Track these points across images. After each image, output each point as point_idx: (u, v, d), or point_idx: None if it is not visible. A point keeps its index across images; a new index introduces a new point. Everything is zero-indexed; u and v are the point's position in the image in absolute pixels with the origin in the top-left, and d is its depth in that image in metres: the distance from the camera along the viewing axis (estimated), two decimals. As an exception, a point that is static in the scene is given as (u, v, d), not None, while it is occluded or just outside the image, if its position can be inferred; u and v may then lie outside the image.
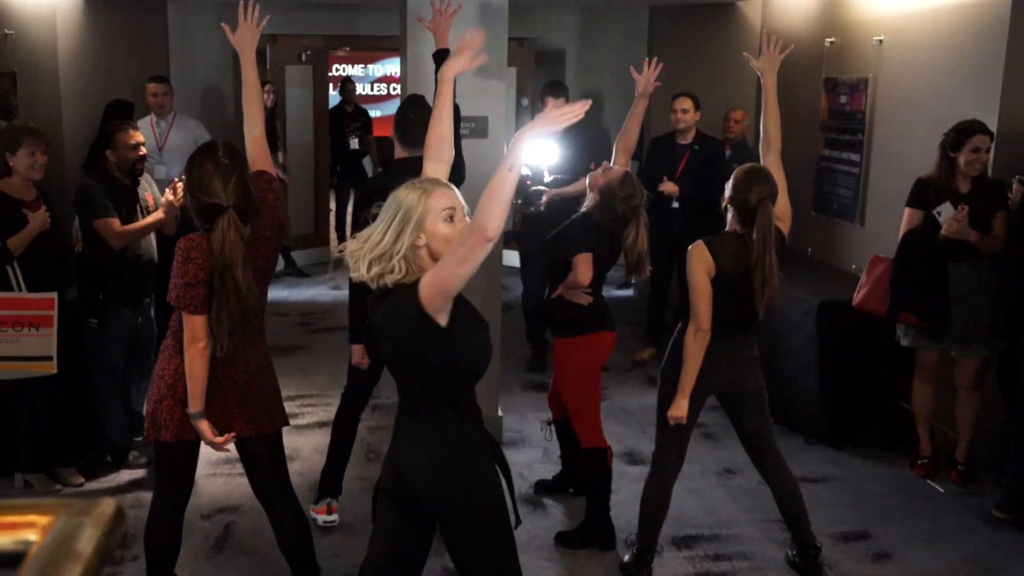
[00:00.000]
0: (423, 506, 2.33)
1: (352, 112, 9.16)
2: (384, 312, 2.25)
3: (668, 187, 5.66)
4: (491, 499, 2.30)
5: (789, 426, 4.89)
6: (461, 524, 2.32)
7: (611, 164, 3.73)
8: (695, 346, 3.18)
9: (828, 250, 5.67)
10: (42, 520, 0.75)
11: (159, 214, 4.13)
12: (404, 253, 2.18)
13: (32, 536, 0.73)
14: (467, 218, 2.26)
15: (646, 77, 3.85)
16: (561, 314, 3.64)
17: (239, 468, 4.21)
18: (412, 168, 3.34)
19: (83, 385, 4.22)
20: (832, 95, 5.52)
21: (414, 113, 3.54)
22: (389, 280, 2.19)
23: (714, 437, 4.84)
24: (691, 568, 3.53)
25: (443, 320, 2.19)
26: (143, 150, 4.22)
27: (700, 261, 3.17)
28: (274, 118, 7.86)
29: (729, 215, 3.25)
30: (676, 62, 7.06)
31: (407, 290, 2.18)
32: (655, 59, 3.88)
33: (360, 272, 2.23)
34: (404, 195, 2.23)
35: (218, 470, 4.26)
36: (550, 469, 4.28)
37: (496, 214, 2.06)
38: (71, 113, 6.08)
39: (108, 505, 0.79)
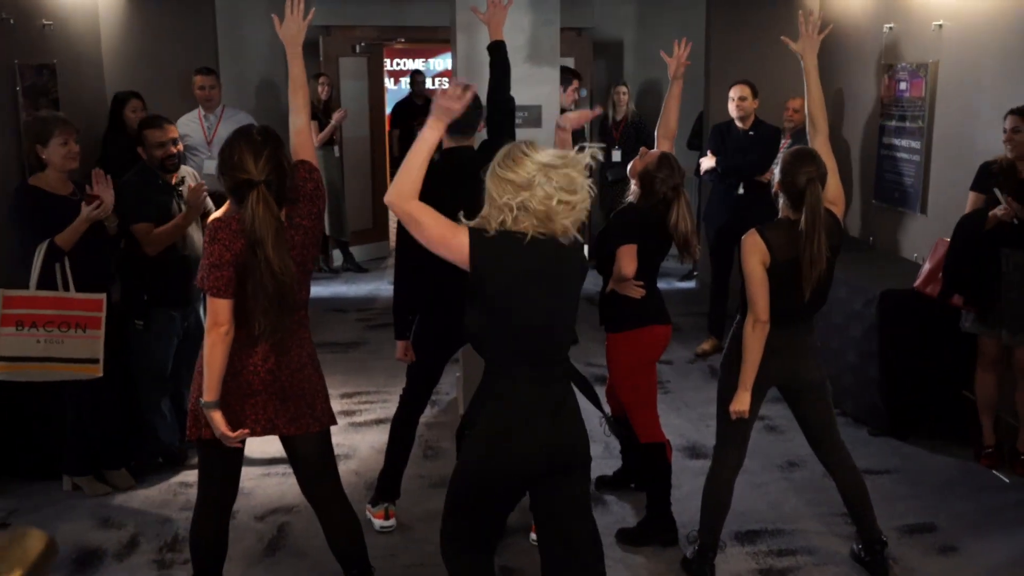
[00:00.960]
0: (573, 472, 2.52)
1: (422, 105, 9.12)
2: None
3: (706, 162, 5.94)
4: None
5: (853, 417, 4.87)
6: (586, 482, 2.60)
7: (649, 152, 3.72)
8: (754, 338, 3.17)
9: (890, 239, 5.60)
10: None
11: (186, 211, 4.03)
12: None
13: None
14: None
15: (676, 58, 3.82)
16: (613, 308, 3.66)
17: (298, 468, 4.38)
18: (457, 158, 3.43)
19: (130, 387, 4.17)
20: (891, 81, 5.43)
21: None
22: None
23: (778, 430, 4.84)
24: (754, 564, 3.56)
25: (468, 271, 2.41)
26: (174, 148, 4.09)
27: (754, 250, 3.14)
28: (329, 110, 7.93)
29: (780, 201, 3.23)
30: (735, 50, 7.03)
31: None
32: (684, 39, 3.85)
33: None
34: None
35: (272, 470, 4.33)
36: (611, 465, 4.34)
37: (397, 183, 2.39)
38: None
39: (34, 539, 0.73)
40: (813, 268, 3.10)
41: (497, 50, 3.74)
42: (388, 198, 2.41)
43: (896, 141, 5.42)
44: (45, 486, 4.13)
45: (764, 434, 4.79)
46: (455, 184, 2.94)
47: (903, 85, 5.31)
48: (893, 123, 5.44)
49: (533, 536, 3.17)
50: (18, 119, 4.69)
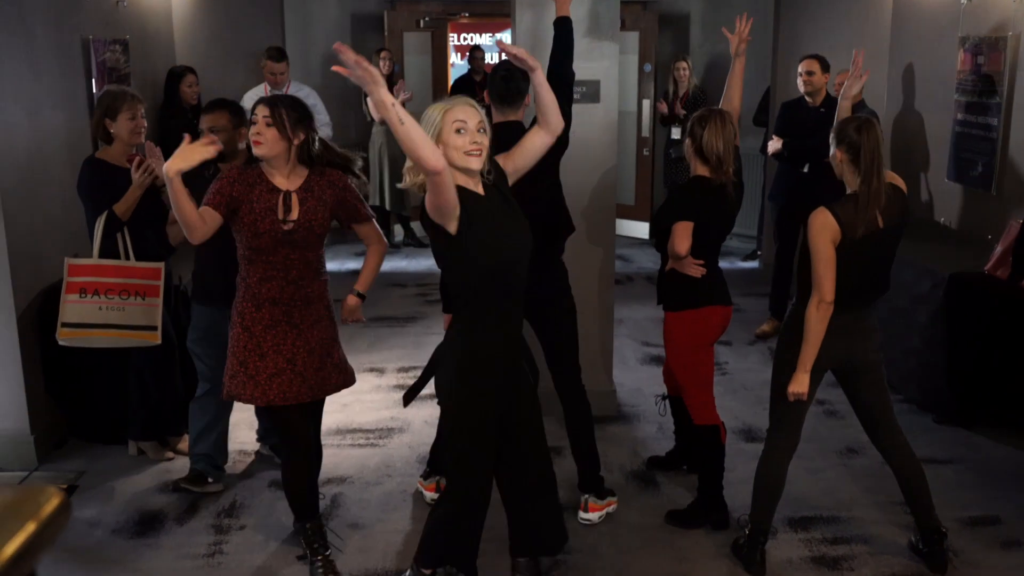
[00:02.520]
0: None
1: (481, 80, 9.09)
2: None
3: (773, 145, 5.76)
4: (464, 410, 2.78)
5: (918, 404, 4.73)
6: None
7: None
8: (817, 318, 3.07)
9: (962, 219, 5.39)
10: None
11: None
12: None
13: None
14: (481, 133, 2.60)
15: (738, 34, 3.74)
16: (672, 287, 3.60)
17: (349, 439, 4.45)
18: (506, 133, 3.33)
19: (188, 356, 4.12)
20: (968, 55, 5.20)
21: (502, 76, 3.48)
22: (419, 187, 2.62)
23: (837, 415, 4.73)
24: (807, 551, 3.50)
25: (452, 228, 2.56)
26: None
27: (824, 228, 3.03)
28: (391, 87, 7.99)
29: (846, 173, 3.12)
30: (804, 24, 6.83)
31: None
32: (746, 14, 3.76)
33: (405, 181, 2.68)
34: (430, 110, 2.64)
35: (327, 441, 4.33)
36: (663, 445, 4.30)
37: (421, 155, 2.40)
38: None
39: (51, 496, 0.74)
40: (871, 202, 3.02)
41: (562, 25, 3.68)
42: (432, 166, 2.41)
43: (971, 117, 5.20)
44: (112, 450, 4.28)
45: (823, 419, 4.69)
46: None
47: (980, 59, 5.08)
48: (968, 99, 5.22)
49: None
50: (91, 94, 4.81)
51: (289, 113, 3.06)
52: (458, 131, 2.57)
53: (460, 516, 2.90)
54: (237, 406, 4.01)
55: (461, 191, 2.56)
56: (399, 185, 2.75)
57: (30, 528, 0.70)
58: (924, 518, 3.37)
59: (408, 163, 2.63)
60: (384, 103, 2.36)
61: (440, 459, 3.85)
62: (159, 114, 5.87)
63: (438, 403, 3.02)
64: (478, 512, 2.91)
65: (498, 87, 3.47)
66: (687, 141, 3.53)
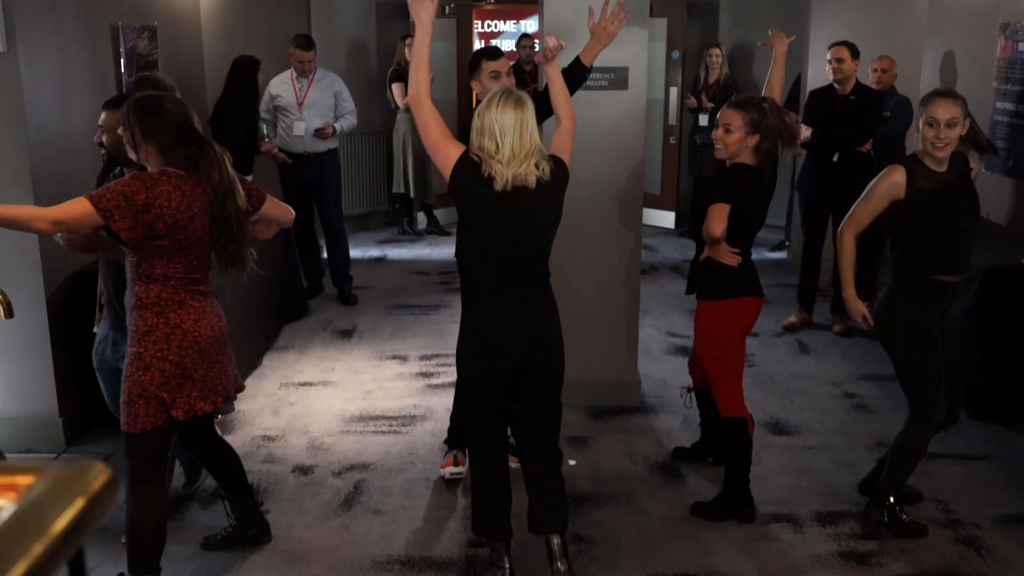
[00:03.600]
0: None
1: (532, 71, 8.62)
2: None
3: (803, 134, 5.62)
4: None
5: (950, 398, 4.64)
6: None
7: None
8: (844, 239, 3.41)
9: (1000, 211, 5.27)
10: (23, 482, 0.70)
11: None
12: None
13: (2, 503, 0.68)
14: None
15: (778, 47, 3.94)
16: (707, 276, 3.54)
17: (372, 426, 4.43)
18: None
19: None
20: (1009, 42, 5.07)
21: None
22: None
23: (867, 409, 4.66)
24: (835, 546, 3.43)
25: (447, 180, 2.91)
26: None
27: (890, 183, 3.29)
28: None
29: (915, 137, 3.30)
30: (834, 10, 6.70)
31: None
32: (777, 33, 3.97)
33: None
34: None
35: (351, 428, 4.39)
36: (688, 437, 4.24)
37: (412, 84, 2.91)
38: (213, 69, 6.11)
39: (100, 472, 0.73)
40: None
41: (580, 71, 3.64)
42: (408, 98, 2.96)
43: (1011, 106, 5.08)
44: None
45: (853, 413, 4.61)
46: None
47: (1021, 46, 4.96)
48: (1009, 87, 5.10)
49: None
50: (120, 80, 4.81)
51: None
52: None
53: (474, 482, 3.20)
54: (250, 393, 3.96)
55: (472, 176, 2.83)
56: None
57: (79, 504, 0.69)
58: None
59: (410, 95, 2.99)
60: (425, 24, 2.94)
61: (453, 436, 3.93)
62: (228, 107, 5.83)
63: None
64: (488, 480, 3.11)
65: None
66: (741, 124, 3.40)
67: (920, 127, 3.25)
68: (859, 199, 3.38)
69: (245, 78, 5.86)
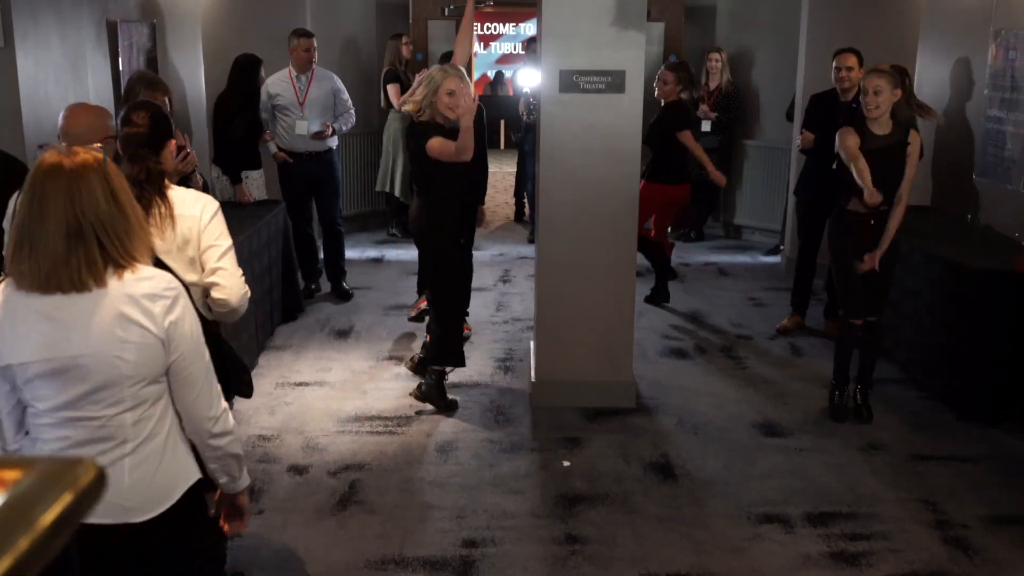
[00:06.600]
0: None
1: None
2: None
3: (804, 139, 5.64)
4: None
5: (943, 401, 4.68)
6: None
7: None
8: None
9: (990, 216, 5.32)
10: (10, 477, 0.70)
11: None
12: (428, 104, 4.26)
13: None
14: (467, 99, 4.17)
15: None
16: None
17: (368, 426, 4.45)
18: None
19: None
20: (1001, 49, 5.12)
21: None
22: (418, 118, 4.28)
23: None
24: (825, 547, 3.46)
25: None
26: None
27: (855, 141, 4.22)
28: (414, 75, 7.93)
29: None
30: (835, 16, 6.74)
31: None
32: None
33: (407, 107, 4.31)
34: (433, 72, 4.32)
35: (346, 428, 4.40)
36: (683, 438, 4.26)
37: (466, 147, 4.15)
38: (212, 66, 6.13)
39: (88, 468, 0.74)
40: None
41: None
42: (464, 156, 4.20)
43: (1002, 113, 5.12)
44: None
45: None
46: None
47: (1012, 54, 5.01)
48: (1001, 94, 5.14)
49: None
50: (119, 77, 4.84)
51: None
52: (448, 95, 4.20)
53: (444, 314, 4.47)
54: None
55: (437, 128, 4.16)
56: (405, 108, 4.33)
57: (67, 499, 0.70)
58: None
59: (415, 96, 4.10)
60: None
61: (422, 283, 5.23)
62: (231, 102, 5.92)
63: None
64: (456, 311, 4.66)
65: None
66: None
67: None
68: (851, 166, 4.15)
69: (248, 76, 5.96)
